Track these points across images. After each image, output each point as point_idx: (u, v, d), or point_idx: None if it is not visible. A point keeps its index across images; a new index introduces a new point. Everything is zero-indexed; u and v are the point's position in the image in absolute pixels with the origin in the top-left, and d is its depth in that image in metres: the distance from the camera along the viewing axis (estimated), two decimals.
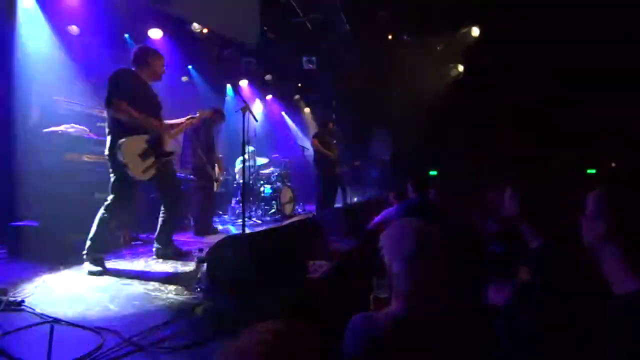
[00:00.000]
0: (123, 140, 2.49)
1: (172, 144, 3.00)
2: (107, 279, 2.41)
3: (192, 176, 4.56)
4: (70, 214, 3.23)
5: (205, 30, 5.76)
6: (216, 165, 4.74)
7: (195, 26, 5.63)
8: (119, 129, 2.56)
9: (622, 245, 0.73)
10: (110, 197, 2.66)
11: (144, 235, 3.72)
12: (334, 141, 5.86)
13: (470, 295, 1.36)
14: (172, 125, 3.02)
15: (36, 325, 1.61)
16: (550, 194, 1.30)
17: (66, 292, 2.11)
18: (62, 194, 3.26)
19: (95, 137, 3.64)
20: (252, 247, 1.93)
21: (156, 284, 2.28)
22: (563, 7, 5.82)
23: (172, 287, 2.22)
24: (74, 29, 4.56)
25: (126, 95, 2.53)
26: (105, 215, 2.64)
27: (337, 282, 2.06)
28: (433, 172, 8.62)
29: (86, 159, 3.48)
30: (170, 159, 2.97)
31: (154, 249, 3.06)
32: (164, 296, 2.05)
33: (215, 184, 4.78)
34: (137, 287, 2.22)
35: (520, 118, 7.70)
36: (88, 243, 2.62)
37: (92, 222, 3.31)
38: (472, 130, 7.91)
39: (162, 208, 3.05)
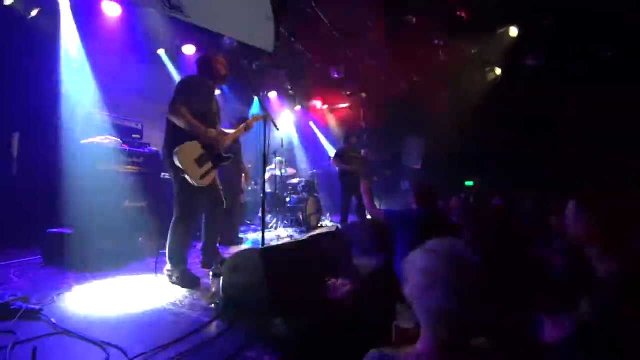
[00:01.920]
0: (180, 145, 2.49)
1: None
2: (127, 290, 2.40)
3: None
4: (102, 222, 3.33)
5: (235, 44, 5.91)
6: (243, 175, 4.75)
7: (227, 39, 5.78)
8: (174, 134, 2.56)
9: None
10: (175, 210, 2.65)
11: None
12: (362, 151, 5.71)
13: (516, 330, 1.12)
14: (227, 133, 2.97)
15: (47, 336, 1.59)
16: (623, 209, 1.02)
17: (86, 302, 2.11)
18: (95, 202, 3.37)
19: (128, 149, 3.76)
20: (267, 262, 1.80)
21: (172, 298, 2.22)
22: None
23: (187, 302, 2.16)
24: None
25: (187, 101, 2.53)
26: (175, 228, 2.62)
27: (358, 305, 1.87)
28: (469, 183, 8.12)
29: (118, 169, 3.60)
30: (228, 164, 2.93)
31: (201, 260, 2.99)
32: (177, 311, 1.97)
33: (241, 194, 4.79)
34: (154, 300, 2.17)
35: (562, 125, 7.04)
36: (167, 257, 2.63)
37: (123, 229, 3.41)
38: (511, 137, 7.35)
39: (204, 219, 2.96)
